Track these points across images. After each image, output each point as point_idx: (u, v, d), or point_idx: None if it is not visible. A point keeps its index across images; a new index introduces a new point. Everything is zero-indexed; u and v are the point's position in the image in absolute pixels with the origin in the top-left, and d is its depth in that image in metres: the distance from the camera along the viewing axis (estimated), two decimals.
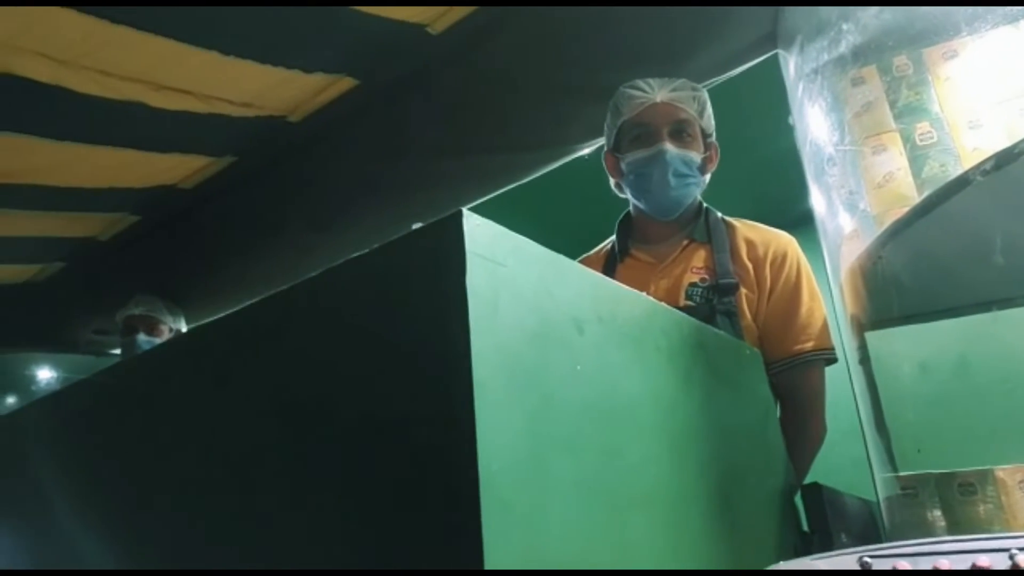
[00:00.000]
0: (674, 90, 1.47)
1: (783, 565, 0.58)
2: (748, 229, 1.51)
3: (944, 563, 0.51)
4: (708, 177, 1.53)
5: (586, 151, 1.93)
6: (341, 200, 2.23)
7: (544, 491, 0.64)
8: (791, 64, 1.44)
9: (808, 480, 1.27)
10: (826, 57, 1.25)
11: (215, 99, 1.85)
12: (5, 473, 1.18)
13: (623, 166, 1.51)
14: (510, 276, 0.68)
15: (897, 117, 1.18)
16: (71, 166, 2.05)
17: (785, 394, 1.38)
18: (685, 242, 1.50)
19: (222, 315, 0.89)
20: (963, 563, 0.51)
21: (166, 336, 2.62)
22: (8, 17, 1.49)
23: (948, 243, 1.08)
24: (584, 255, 1.63)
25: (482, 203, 2.08)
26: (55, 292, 2.85)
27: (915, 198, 1.13)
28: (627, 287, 0.89)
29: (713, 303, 1.40)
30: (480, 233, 0.66)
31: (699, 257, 1.47)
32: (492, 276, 0.65)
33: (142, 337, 2.56)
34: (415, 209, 2.02)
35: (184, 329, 2.71)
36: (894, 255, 1.10)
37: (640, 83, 1.48)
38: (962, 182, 0.94)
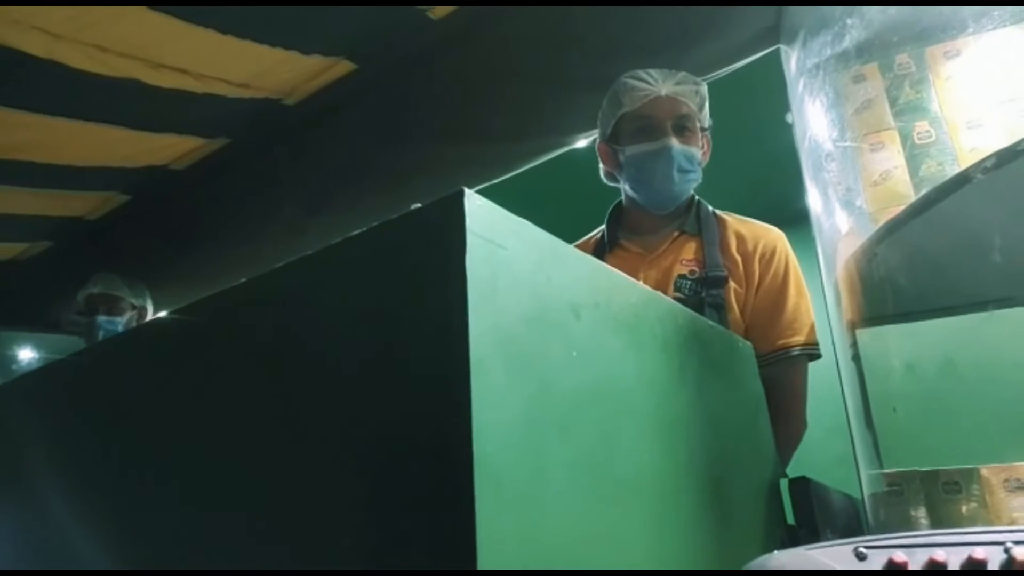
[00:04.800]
0: (678, 84, 1.46)
1: (779, 554, 0.58)
2: (738, 223, 1.51)
3: (940, 555, 0.51)
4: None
5: (584, 141, 1.92)
6: (335, 184, 2.22)
7: (538, 473, 0.63)
8: (793, 59, 1.44)
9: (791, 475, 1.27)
10: (828, 53, 1.25)
11: (211, 79, 1.84)
12: None
13: (622, 158, 1.50)
14: (510, 258, 0.67)
15: (897, 115, 1.19)
16: (61, 143, 2.03)
17: (768, 388, 1.38)
18: (676, 234, 1.50)
19: (209, 294, 0.87)
20: (959, 555, 0.51)
21: (128, 314, 2.52)
22: None
23: (943, 242, 1.09)
24: (573, 244, 1.62)
25: (479, 190, 2.06)
26: (40, 272, 2.82)
27: (911, 196, 1.14)
28: (624, 274, 0.89)
29: (701, 295, 1.40)
30: (481, 214, 0.65)
31: (689, 249, 1.47)
32: (492, 258, 0.65)
33: (102, 318, 2.45)
34: (410, 195, 2.00)
35: (149, 306, 2.62)
36: (889, 253, 1.10)
37: (643, 74, 1.47)
38: (961, 180, 0.95)
